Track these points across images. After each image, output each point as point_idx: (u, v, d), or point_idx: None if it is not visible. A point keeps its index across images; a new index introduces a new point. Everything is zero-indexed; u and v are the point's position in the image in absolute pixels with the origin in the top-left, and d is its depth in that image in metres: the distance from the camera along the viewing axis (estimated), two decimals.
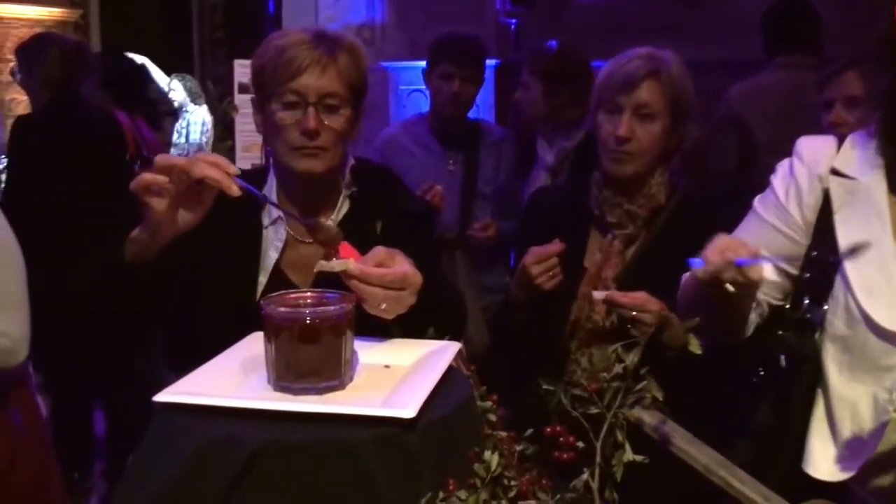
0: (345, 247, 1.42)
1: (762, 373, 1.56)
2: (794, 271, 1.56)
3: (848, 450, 1.43)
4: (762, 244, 1.53)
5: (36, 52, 3.56)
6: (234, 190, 1.30)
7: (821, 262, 1.52)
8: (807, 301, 1.52)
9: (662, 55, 1.99)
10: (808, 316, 1.51)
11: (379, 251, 1.35)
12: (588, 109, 2.12)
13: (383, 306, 1.30)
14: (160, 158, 1.32)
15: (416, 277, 1.35)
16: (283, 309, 1.19)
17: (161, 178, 1.31)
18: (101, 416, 3.72)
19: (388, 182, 1.80)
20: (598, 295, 1.82)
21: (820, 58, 3.48)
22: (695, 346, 1.19)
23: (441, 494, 1.05)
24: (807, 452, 1.47)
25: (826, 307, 1.49)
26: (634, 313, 1.75)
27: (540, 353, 1.96)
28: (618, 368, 1.12)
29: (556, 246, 1.93)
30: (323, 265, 1.33)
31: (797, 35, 3.50)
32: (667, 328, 1.68)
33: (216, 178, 1.29)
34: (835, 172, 1.53)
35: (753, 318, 1.57)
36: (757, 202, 1.64)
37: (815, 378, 1.49)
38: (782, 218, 1.58)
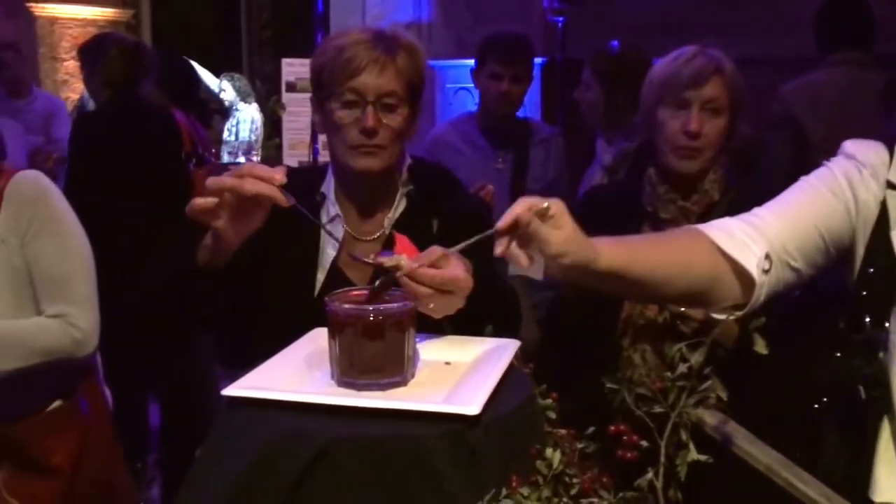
0: (401, 241, 1.43)
1: (825, 400, 1.48)
2: (834, 251, 1.48)
3: None
4: (807, 205, 1.47)
5: (97, 51, 3.63)
6: (284, 201, 1.31)
7: (878, 279, 1.45)
8: (868, 320, 1.44)
9: (717, 53, 1.98)
10: (871, 336, 1.43)
11: (434, 251, 1.34)
12: None
13: (431, 306, 1.30)
14: (211, 182, 1.33)
15: (468, 282, 1.34)
16: (346, 306, 1.20)
17: (211, 202, 1.32)
18: (154, 409, 3.79)
19: (444, 181, 1.80)
20: None
21: (872, 54, 3.42)
22: (760, 347, 1.18)
23: (504, 491, 1.05)
24: (873, 480, 1.40)
25: (888, 325, 1.42)
26: (683, 309, 1.74)
27: (592, 350, 1.96)
28: (682, 368, 1.10)
29: None
30: (377, 260, 1.34)
31: (852, 32, 3.44)
32: (717, 324, 1.66)
33: (267, 194, 1.30)
34: (891, 185, 1.47)
35: (765, 279, 1.43)
36: (806, 176, 1.55)
37: (885, 404, 1.41)
38: (836, 191, 1.49)
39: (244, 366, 1.24)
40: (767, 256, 1.42)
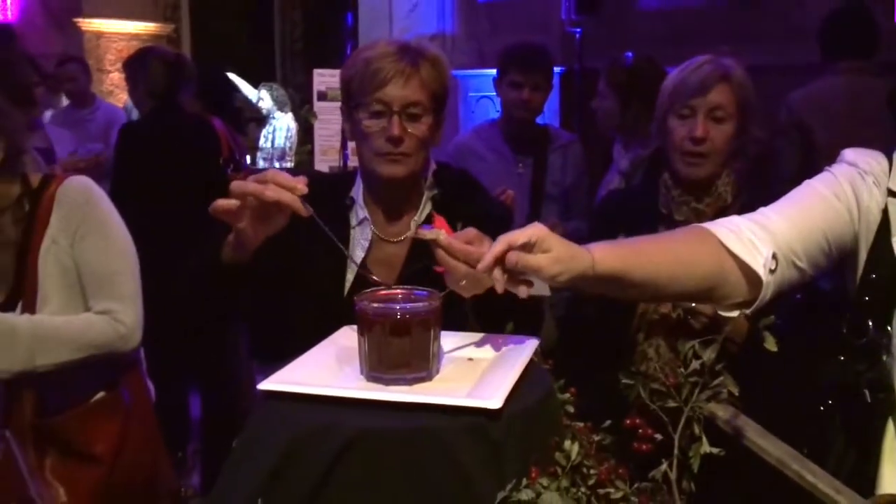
0: (439, 220, 1.43)
1: (830, 402, 1.45)
2: (837, 255, 1.46)
3: None
4: (812, 208, 1.45)
5: (141, 64, 3.67)
6: (304, 211, 1.30)
7: (880, 284, 1.42)
8: (871, 324, 1.41)
9: (727, 61, 1.97)
10: (874, 340, 1.40)
11: (470, 231, 1.33)
12: None
13: (462, 283, 1.29)
14: (235, 186, 1.32)
15: None
16: (375, 305, 1.21)
17: (233, 203, 1.32)
18: (195, 401, 3.82)
19: (467, 185, 1.81)
20: None
21: (874, 62, 3.39)
22: (770, 344, 1.16)
23: (524, 481, 1.05)
24: (879, 478, 1.38)
25: (890, 329, 1.40)
26: (694, 304, 1.73)
27: (609, 345, 1.95)
28: (695, 364, 1.10)
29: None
30: (418, 233, 1.34)
31: (855, 41, 3.41)
32: (728, 321, 1.64)
33: (287, 203, 1.29)
34: (892, 193, 1.45)
35: (772, 278, 1.39)
36: (810, 180, 1.52)
37: (890, 405, 1.39)
38: (840, 197, 1.46)
39: (278, 360, 1.25)
40: (774, 256, 1.39)
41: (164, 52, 3.90)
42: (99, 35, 8.33)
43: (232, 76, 5.38)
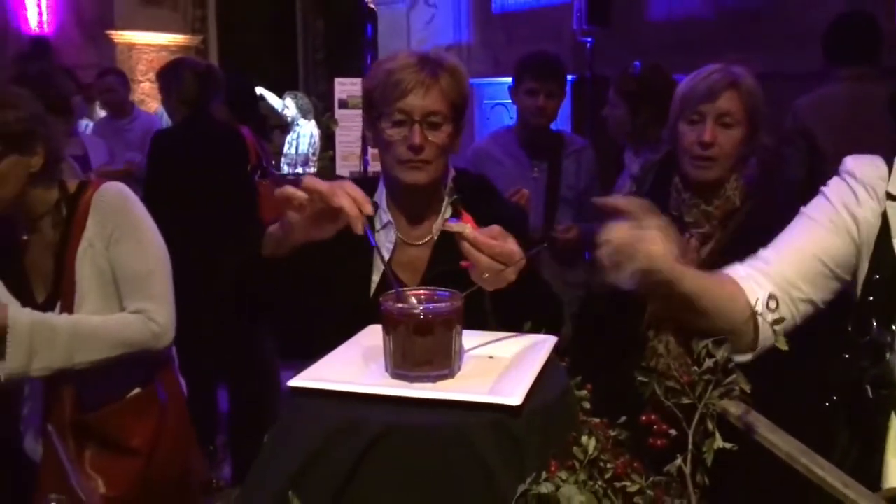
0: (466, 217, 1.44)
1: (835, 399, 1.45)
2: (843, 275, 1.45)
3: None
4: (806, 237, 1.45)
5: (174, 74, 3.70)
6: (359, 229, 1.29)
7: (884, 284, 1.42)
8: (874, 324, 1.41)
9: (737, 69, 1.97)
10: (878, 339, 1.40)
11: (494, 228, 1.34)
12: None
13: (486, 276, 1.29)
14: (308, 180, 1.33)
15: (521, 259, 1.34)
16: (400, 305, 1.21)
17: (300, 195, 1.33)
18: (222, 394, 3.85)
19: (485, 190, 1.81)
20: None
21: (878, 68, 3.36)
22: (781, 343, 1.16)
23: (544, 475, 1.05)
24: (884, 471, 1.38)
25: (894, 327, 1.39)
26: None
27: (618, 343, 1.95)
28: (709, 363, 1.09)
29: None
30: (445, 225, 1.35)
31: (860, 47, 3.38)
32: None
33: (350, 213, 1.28)
34: (891, 197, 1.44)
35: (770, 321, 1.38)
36: (804, 208, 1.53)
37: (893, 401, 1.38)
38: (834, 219, 1.46)
39: (305, 358, 1.25)
40: (773, 297, 1.38)
41: (196, 63, 3.93)
42: (130, 47, 8.40)
43: (258, 87, 5.42)
